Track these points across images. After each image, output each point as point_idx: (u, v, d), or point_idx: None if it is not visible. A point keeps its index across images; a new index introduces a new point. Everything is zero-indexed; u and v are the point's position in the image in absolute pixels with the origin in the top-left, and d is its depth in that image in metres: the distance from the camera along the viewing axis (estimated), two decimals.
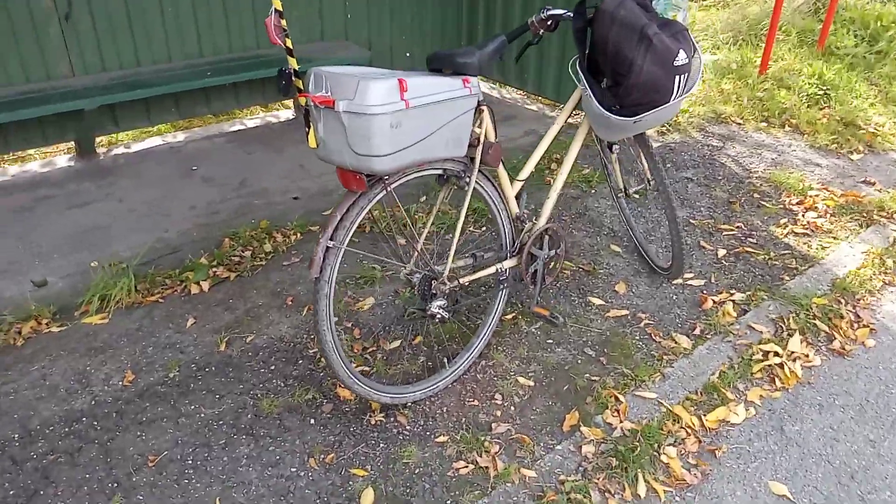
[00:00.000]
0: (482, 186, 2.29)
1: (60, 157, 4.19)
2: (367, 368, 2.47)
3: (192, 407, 2.29)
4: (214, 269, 3.02)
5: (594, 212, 3.55)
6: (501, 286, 2.47)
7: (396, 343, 2.61)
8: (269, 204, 3.63)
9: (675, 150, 4.25)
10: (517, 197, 2.48)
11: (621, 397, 2.36)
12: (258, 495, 1.99)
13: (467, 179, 2.19)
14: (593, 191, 3.76)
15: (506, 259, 2.44)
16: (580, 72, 2.28)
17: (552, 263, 2.57)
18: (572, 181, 3.86)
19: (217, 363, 2.49)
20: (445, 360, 2.41)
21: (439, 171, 2.16)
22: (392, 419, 2.27)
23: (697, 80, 2.28)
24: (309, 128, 1.91)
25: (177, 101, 4.28)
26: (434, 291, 2.20)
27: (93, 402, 2.30)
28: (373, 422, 2.25)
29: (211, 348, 2.57)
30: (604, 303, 2.87)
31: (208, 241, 3.27)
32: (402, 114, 1.79)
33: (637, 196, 3.54)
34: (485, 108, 2.20)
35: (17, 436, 2.17)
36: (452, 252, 2.21)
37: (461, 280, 2.29)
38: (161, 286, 2.95)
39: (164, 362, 2.49)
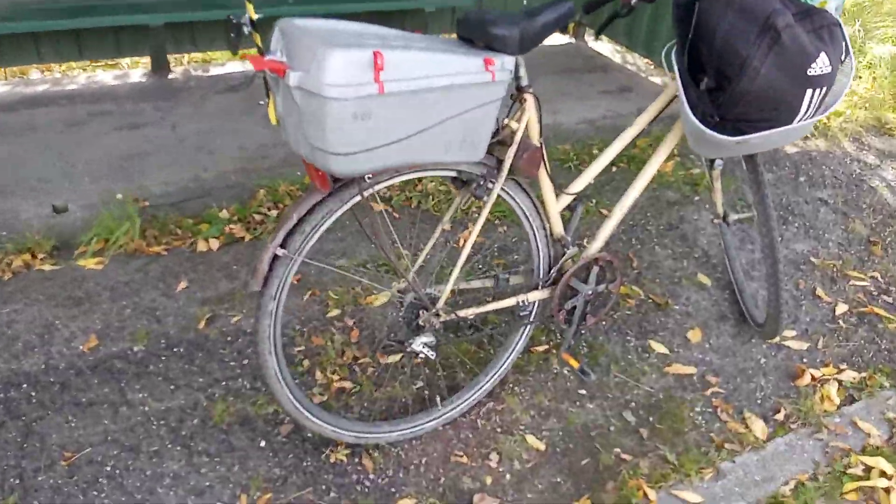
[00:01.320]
0: (512, 196, 1.73)
1: (136, 70, 3.96)
2: (349, 385, 2.03)
3: (140, 395, 1.95)
4: (231, 226, 2.66)
5: (690, 226, 2.86)
6: (524, 322, 1.92)
7: (396, 357, 2.14)
8: None
9: (814, 160, 3.40)
10: (570, 210, 1.90)
11: (651, 493, 1.78)
12: None
13: (489, 187, 1.64)
14: (697, 197, 3.05)
15: (535, 289, 1.88)
16: (675, 63, 1.63)
17: (598, 302, 1.98)
18: (675, 181, 3.16)
19: (189, 343, 2.13)
20: (439, 398, 1.92)
21: (451, 173, 1.62)
22: (356, 460, 1.82)
23: (840, 98, 1.57)
24: (269, 97, 1.43)
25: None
26: (422, 323, 1.70)
27: (43, 366, 2.02)
28: (332, 459, 1.82)
29: (190, 323, 2.21)
30: (667, 351, 2.25)
31: (242, 190, 2.90)
32: (373, 100, 1.26)
33: (738, 226, 2.81)
34: (529, 96, 1.62)
35: None
36: (452, 279, 1.68)
37: (461, 313, 1.76)
38: (171, 235, 2.62)
39: (134, 330, 2.17)
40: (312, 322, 2.24)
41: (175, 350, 2.10)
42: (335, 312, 2.28)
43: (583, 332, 2.26)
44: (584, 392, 2.08)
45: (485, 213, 1.66)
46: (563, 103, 3.92)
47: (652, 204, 2.98)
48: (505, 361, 1.97)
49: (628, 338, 2.29)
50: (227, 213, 2.72)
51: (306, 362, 2.09)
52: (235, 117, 3.45)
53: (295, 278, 2.43)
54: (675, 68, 1.62)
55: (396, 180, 1.54)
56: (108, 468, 1.74)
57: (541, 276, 1.88)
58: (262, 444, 1.84)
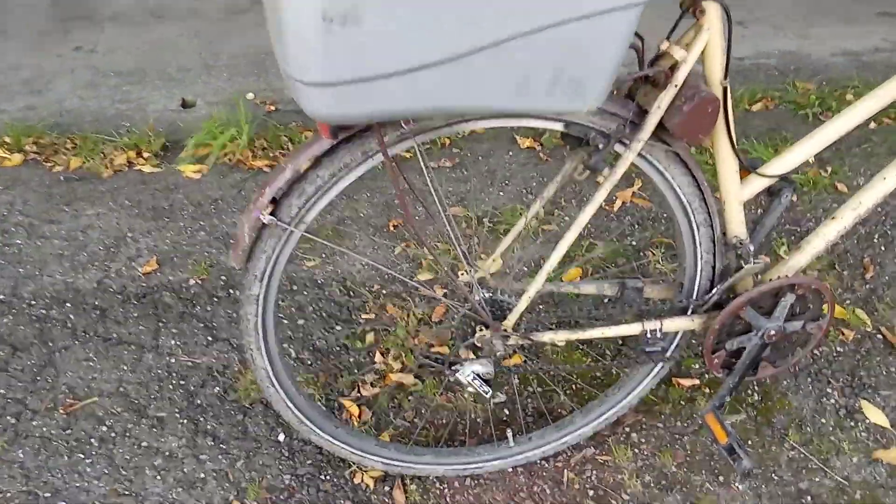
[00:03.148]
0: (660, 170, 1.05)
1: None
2: (409, 380, 1.53)
3: (173, 342, 1.62)
4: None
5: None
6: (653, 360, 1.25)
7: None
8: None
9: None
10: (772, 196, 1.17)
11: None
12: None
13: (616, 152, 0.98)
14: None
15: (681, 314, 1.20)
16: None
17: (783, 347, 1.24)
18: None
19: None
20: (510, 432, 1.35)
21: (556, 126, 0.98)
22: (386, 488, 1.34)
23: None
24: None
25: None
26: (478, 343, 1.12)
27: (94, 286, 1.77)
28: (356, 480, 1.36)
29: None
30: (887, 424, 1.45)
31: None
32: None
33: None
34: (711, 6, 0.90)
35: None
36: (535, 285, 1.07)
37: (540, 338, 1.15)
38: (280, 148, 2.26)
39: (198, 259, 1.84)
40: (395, 284, 1.75)
41: (231, 292, 1.74)
42: (426, 276, 1.77)
43: (741, 385, 1.52)
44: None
45: (601, 194, 1.01)
46: (817, 26, 2.92)
47: None
48: (617, 403, 1.33)
49: (829, 390, 1.51)
50: None
51: (370, 337, 1.62)
52: None
53: (393, 223, 1.94)
54: None
55: (451, 130, 0.95)
56: (105, 428, 1.44)
57: (694, 295, 1.19)
58: (281, 437, 1.42)
